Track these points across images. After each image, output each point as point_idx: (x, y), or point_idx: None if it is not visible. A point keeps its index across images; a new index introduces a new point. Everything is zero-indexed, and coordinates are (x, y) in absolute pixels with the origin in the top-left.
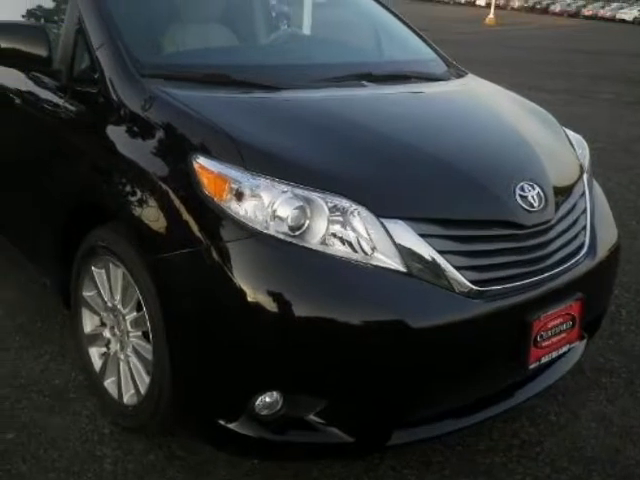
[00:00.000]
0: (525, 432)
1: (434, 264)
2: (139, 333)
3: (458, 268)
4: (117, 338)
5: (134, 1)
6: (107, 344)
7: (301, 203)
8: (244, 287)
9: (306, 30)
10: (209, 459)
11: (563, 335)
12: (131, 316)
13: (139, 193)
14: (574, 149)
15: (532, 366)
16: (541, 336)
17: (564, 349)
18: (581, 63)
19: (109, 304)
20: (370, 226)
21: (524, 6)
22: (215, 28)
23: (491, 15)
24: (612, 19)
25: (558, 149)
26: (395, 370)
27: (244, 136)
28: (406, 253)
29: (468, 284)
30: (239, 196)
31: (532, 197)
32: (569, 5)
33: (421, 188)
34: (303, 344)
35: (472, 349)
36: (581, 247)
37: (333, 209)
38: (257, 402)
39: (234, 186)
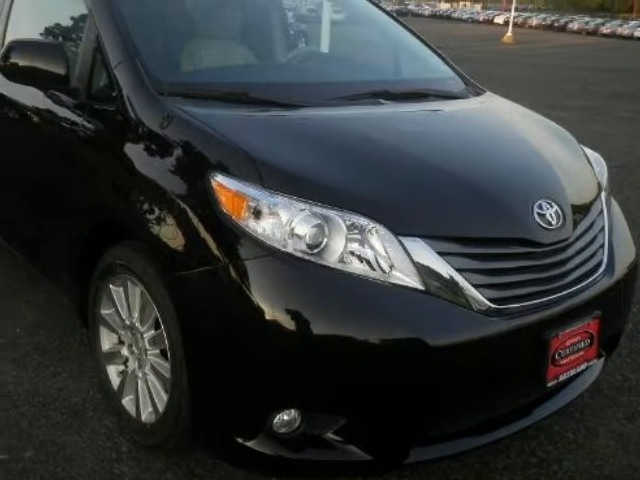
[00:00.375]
0: (543, 450)
1: (452, 282)
2: (157, 351)
3: (476, 286)
4: (135, 356)
5: (152, 19)
6: (125, 362)
7: (319, 221)
8: (262, 305)
9: (324, 48)
10: (227, 477)
11: (581, 353)
12: (149, 334)
13: (157, 211)
14: (592, 167)
15: (550, 384)
16: (559, 354)
17: (582, 367)
18: (599, 81)
19: (127, 322)
20: (388, 244)
21: (542, 24)
22: (233, 46)
23: (509, 33)
24: (630, 37)
25: (576, 167)
26: (413, 388)
27: (262, 154)
28: (424, 271)
29: (486, 302)
30: (257, 214)
31: (550, 215)
32: (587, 23)
33: (439, 206)
34: (321, 362)
35: (490, 367)
36: (599, 265)
37: (351, 227)
38: (275, 420)
39: (252, 204)
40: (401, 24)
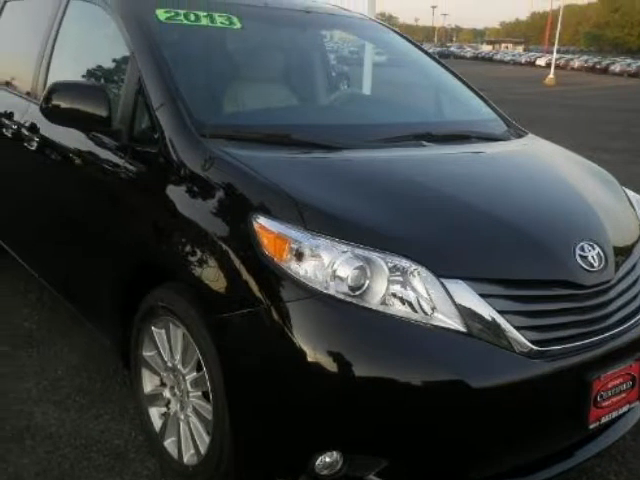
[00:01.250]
0: None
1: (494, 324)
2: (199, 393)
3: (518, 328)
4: (177, 398)
5: (194, 61)
6: (167, 404)
7: (361, 263)
8: (304, 347)
9: (366, 90)
10: None
11: (623, 395)
12: (191, 376)
13: (199, 253)
14: (634, 209)
15: (592, 426)
16: (601, 396)
17: (624, 409)
18: None
19: (169, 364)
20: (430, 286)
21: (584, 66)
22: (275, 88)
23: (551, 75)
24: None
25: (618, 209)
26: (455, 430)
27: (304, 196)
28: (466, 313)
29: (528, 344)
30: (299, 256)
31: (592, 257)
32: (629, 65)
33: (481, 248)
34: (363, 404)
35: (532, 409)
36: None
37: (393, 269)
38: (317, 462)
39: (294, 246)
40: (443, 66)
